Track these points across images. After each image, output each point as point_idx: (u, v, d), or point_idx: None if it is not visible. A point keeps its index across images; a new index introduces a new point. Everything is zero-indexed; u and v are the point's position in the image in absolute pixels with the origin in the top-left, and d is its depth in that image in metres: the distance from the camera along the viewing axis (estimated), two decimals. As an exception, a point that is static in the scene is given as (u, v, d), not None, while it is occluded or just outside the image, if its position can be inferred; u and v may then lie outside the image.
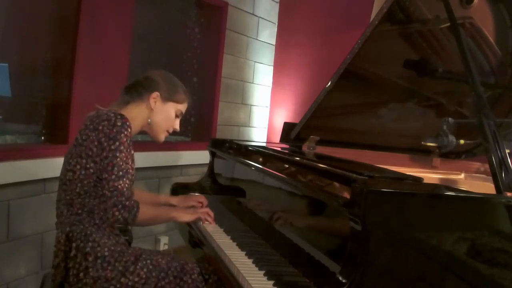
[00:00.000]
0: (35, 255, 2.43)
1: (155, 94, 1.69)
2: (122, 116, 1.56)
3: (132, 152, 1.64)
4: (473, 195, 1.31)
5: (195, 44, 3.69)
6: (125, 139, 1.53)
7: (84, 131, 1.57)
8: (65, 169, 1.59)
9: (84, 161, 1.54)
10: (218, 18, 3.71)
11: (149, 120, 1.71)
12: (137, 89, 1.70)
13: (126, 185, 1.50)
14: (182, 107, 1.77)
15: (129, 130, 1.55)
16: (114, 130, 1.52)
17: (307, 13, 4.03)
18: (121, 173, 1.49)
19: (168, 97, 1.72)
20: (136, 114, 1.68)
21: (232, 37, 3.83)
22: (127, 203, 1.47)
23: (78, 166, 1.55)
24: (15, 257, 2.32)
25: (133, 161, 1.66)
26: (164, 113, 1.72)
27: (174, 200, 1.98)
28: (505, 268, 1.22)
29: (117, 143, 1.51)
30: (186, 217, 1.70)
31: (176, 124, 1.78)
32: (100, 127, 1.53)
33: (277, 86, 4.28)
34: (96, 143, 1.53)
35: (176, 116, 1.76)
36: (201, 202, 1.96)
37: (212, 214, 1.79)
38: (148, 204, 1.81)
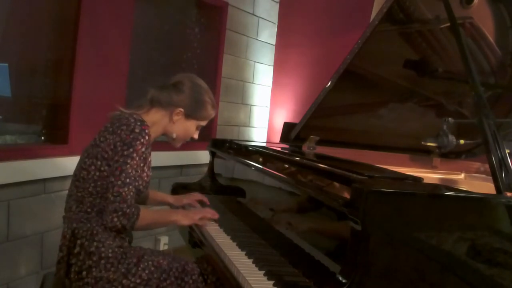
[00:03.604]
0: (35, 255, 2.43)
1: (179, 110, 1.68)
2: (142, 122, 1.56)
3: (150, 158, 1.66)
4: (473, 195, 1.31)
5: (195, 44, 3.69)
6: (140, 147, 1.53)
7: (103, 133, 1.58)
8: (80, 166, 1.60)
9: (99, 163, 1.55)
10: (218, 18, 3.71)
11: (174, 135, 1.72)
12: (163, 98, 1.67)
13: (131, 192, 1.50)
14: (204, 122, 1.77)
15: (146, 138, 1.55)
16: (131, 136, 1.52)
17: (307, 13, 4.02)
18: (128, 180, 1.49)
19: (192, 115, 1.71)
20: (159, 119, 1.69)
21: (232, 37, 3.83)
22: (128, 210, 1.47)
23: (93, 167, 1.56)
24: (15, 257, 2.32)
25: (149, 168, 1.67)
26: (184, 128, 1.73)
27: (171, 198, 2.01)
28: (505, 268, 1.22)
29: (131, 150, 1.51)
30: (185, 220, 1.69)
31: (195, 134, 1.78)
32: (119, 131, 1.54)
33: (277, 86, 4.28)
34: (112, 146, 1.54)
35: (197, 129, 1.77)
36: (199, 200, 1.99)
37: (211, 211, 1.77)
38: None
